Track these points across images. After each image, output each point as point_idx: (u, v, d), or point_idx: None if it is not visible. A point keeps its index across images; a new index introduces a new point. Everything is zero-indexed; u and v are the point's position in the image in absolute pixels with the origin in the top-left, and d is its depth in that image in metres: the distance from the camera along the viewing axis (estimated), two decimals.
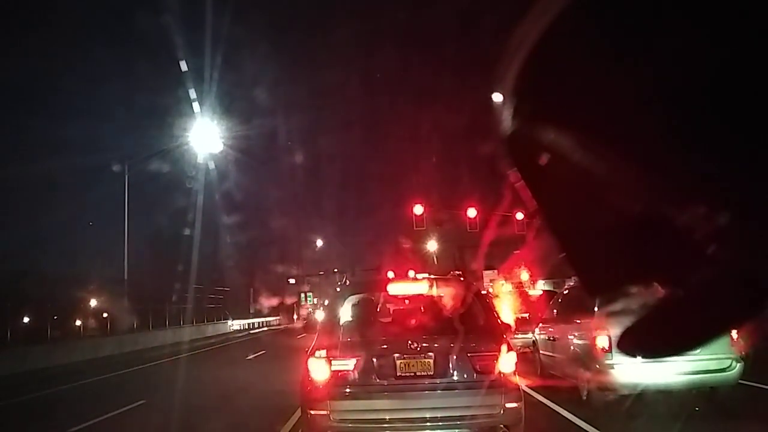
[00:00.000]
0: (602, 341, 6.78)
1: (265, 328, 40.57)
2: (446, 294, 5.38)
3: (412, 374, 4.90)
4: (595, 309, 6.41)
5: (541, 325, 10.04)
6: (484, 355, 4.90)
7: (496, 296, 16.09)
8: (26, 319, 23.68)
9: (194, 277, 30.15)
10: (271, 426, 6.98)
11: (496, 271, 27.37)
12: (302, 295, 44.72)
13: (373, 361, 4.89)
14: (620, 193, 0.59)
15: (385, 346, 4.99)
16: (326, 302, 10.24)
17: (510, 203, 19.08)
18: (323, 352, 4.94)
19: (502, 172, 0.71)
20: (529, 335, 10.55)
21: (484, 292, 9.76)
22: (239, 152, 27.15)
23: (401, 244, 36.36)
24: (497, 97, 0.65)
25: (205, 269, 35.59)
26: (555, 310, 9.63)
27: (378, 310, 5.88)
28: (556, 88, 0.60)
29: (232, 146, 25.31)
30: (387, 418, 4.87)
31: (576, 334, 7.85)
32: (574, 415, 6.74)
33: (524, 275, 22.52)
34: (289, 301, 45.15)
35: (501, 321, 5.73)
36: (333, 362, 4.89)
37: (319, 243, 46.51)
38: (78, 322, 25.78)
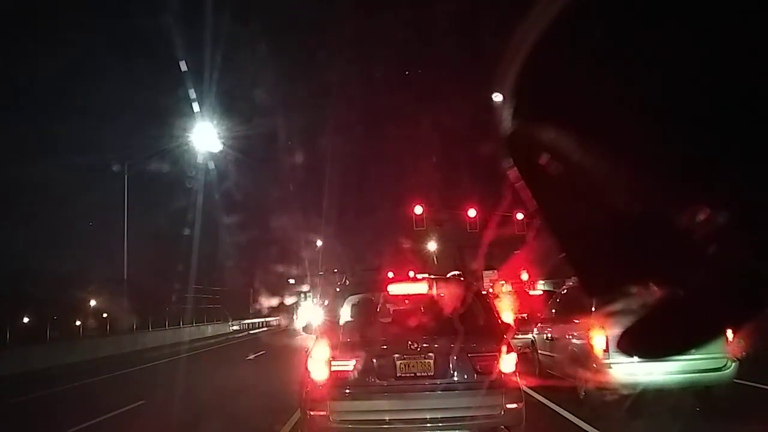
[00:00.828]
0: (599, 341, 6.83)
1: (265, 329, 40.55)
2: (446, 294, 5.37)
3: (412, 375, 4.89)
4: (593, 309, 6.44)
5: (539, 324, 10.07)
6: (484, 356, 4.90)
7: (496, 296, 16.10)
8: (26, 319, 23.68)
9: (194, 277, 30.19)
10: (271, 426, 6.97)
11: (496, 271, 27.39)
12: (302, 295, 44.70)
13: (372, 362, 4.89)
14: (620, 193, 0.59)
15: (385, 347, 4.99)
16: (326, 302, 10.23)
17: (510, 203, 19.08)
18: (323, 353, 4.94)
19: (502, 172, 0.71)
20: (529, 335, 10.57)
21: (484, 292, 9.76)
22: (239, 152, 27.11)
23: (401, 244, 36.32)
24: (497, 97, 0.65)
25: (205, 269, 35.59)
26: (553, 310, 9.65)
27: (378, 310, 5.87)
28: (556, 88, 0.60)
29: (232, 146, 25.29)
30: (387, 418, 4.86)
31: (574, 333, 7.87)
32: (574, 414, 6.74)
33: (524, 275, 22.52)
34: (289, 301, 45.13)
35: (501, 321, 5.72)
36: (333, 363, 4.89)
37: (319, 243, 46.47)
38: (78, 322, 25.77)
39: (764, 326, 0.68)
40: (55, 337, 20.94)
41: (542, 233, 0.72)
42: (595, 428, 6.13)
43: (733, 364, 6.69)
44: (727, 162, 0.53)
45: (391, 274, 16.14)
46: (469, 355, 4.87)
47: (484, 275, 26.38)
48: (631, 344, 0.69)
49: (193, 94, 22.45)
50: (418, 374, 4.89)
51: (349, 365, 4.88)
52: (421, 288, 5.61)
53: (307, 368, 4.98)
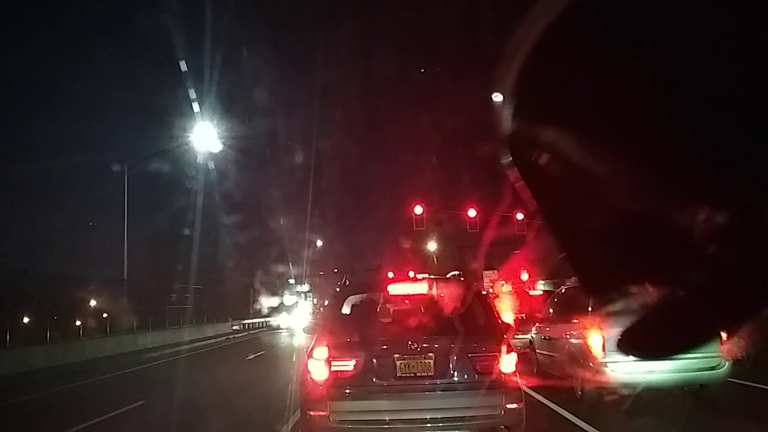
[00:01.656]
0: (596, 340, 6.86)
1: (265, 329, 40.54)
2: (446, 294, 5.37)
3: (412, 375, 4.89)
4: (590, 309, 6.47)
5: (537, 324, 10.09)
6: (484, 356, 4.89)
7: (497, 296, 16.12)
8: (26, 319, 23.65)
9: (194, 277, 30.17)
10: (271, 426, 6.97)
11: (496, 271, 27.39)
12: (302, 295, 44.71)
13: (373, 362, 4.88)
14: (620, 193, 0.59)
15: (385, 347, 4.98)
16: (326, 302, 10.24)
17: (510, 203, 19.09)
18: (323, 353, 4.94)
19: (502, 172, 0.71)
20: (528, 335, 10.59)
21: (484, 292, 9.77)
22: (239, 152, 27.15)
23: (401, 244, 36.37)
24: (497, 97, 0.65)
25: (205, 269, 35.56)
26: (551, 310, 9.67)
27: (378, 310, 5.88)
28: (555, 88, 0.60)
29: (232, 146, 25.30)
30: (387, 419, 4.86)
31: (571, 333, 7.89)
32: (573, 414, 6.74)
33: (524, 276, 22.52)
34: (289, 301, 45.09)
35: (501, 321, 5.72)
36: (333, 363, 4.89)
37: (319, 243, 46.46)
38: (78, 322, 25.72)
39: (764, 326, 0.68)
40: (55, 337, 20.92)
41: (542, 233, 0.72)
42: (594, 428, 6.13)
43: (727, 363, 6.76)
44: (727, 162, 0.53)
45: (391, 274, 16.17)
46: (469, 355, 4.87)
47: (484, 275, 26.38)
48: (631, 344, 0.69)
49: (193, 94, 22.47)
50: (418, 374, 4.89)
51: (349, 365, 4.88)
52: (421, 288, 5.61)
53: (307, 368, 4.98)
